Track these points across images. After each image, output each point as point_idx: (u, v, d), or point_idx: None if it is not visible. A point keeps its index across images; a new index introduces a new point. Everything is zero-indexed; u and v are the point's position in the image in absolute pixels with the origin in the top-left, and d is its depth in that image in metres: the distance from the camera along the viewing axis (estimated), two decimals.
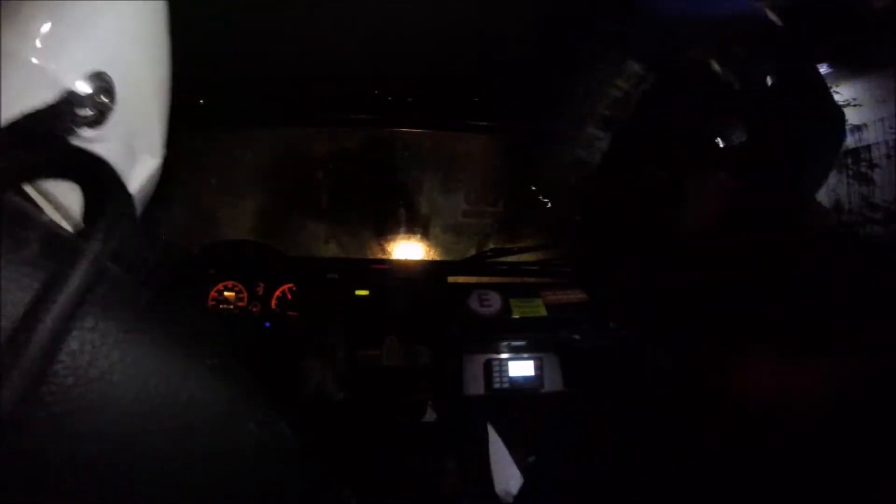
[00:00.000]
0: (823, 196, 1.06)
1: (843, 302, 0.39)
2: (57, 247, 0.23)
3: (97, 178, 0.27)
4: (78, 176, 0.28)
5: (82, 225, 0.29)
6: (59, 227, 0.25)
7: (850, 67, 0.97)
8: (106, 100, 0.28)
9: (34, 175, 0.27)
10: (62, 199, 0.29)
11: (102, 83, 0.28)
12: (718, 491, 0.35)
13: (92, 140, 0.28)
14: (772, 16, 0.51)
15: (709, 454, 0.38)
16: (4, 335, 0.19)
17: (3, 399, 0.18)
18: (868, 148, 0.97)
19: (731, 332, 0.44)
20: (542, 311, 1.38)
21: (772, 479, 0.33)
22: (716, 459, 0.37)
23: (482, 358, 1.32)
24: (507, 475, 1.22)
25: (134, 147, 0.32)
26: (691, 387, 0.46)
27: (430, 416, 1.32)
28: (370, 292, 1.39)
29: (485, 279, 1.45)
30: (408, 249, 1.69)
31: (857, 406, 0.33)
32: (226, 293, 1.37)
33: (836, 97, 1.02)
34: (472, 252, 1.64)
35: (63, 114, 0.26)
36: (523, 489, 1.14)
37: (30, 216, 0.24)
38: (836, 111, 0.49)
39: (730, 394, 0.40)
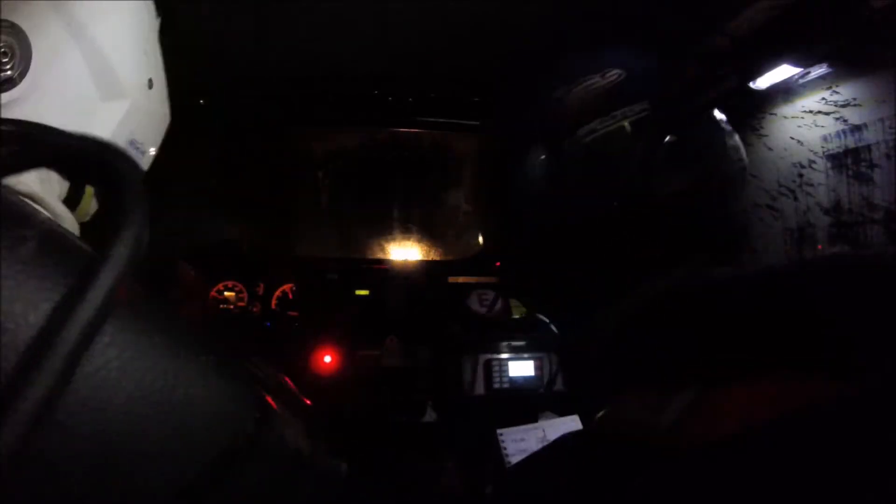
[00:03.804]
0: (823, 196, 1.06)
1: (833, 323, 0.40)
2: (55, 245, 0.23)
3: (115, 176, 0.26)
4: (92, 170, 0.27)
5: (78, 223, 0.29)
6: (58, 224, 0.25)
7: (850, 67, 0.97)
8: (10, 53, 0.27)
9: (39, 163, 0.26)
10: (57, 199, 0.30)
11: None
12: (713, 495, 0.35)
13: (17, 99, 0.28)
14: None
15: (705, 456, 0.38)
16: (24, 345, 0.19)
17: (22, 411, 0.18)
18: (868, 148, 0.97)
19: (726, 343, 0.45)
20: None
21: (766, 487, 0.33)
22: (709, 465, 0.37)
23: (482, 358, 1.32)
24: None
25: (89, 92, 0.32)
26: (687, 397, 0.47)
27: (430, 416, 1.32)
28: (370, 292, 1.39)
29: (485, 279, 1.45)
30: (408, 249, 1.69)
31: (843, 427, 0.33)
32: (226, 293, 1.37)
33: (836, 97, 1.02)
34: (472, 252, 1.64)
35: None
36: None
37: (28, 214, 0.24)
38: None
39: (723, 406, 0.40)
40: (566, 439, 0.54)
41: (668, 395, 0.42)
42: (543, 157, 0.64)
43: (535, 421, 1.26)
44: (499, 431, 0.96)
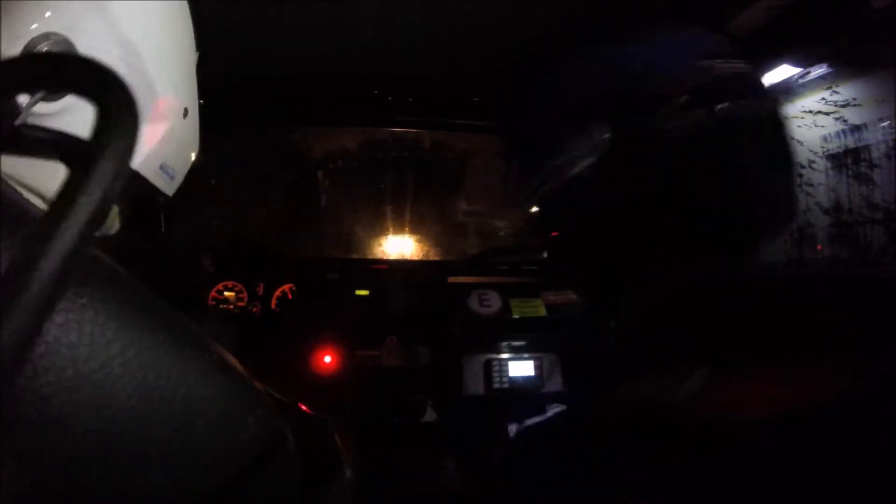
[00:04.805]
0: (823, 196, 1.06)
1: (839, 314, 0.40)
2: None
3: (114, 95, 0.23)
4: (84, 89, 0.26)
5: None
6: (33, 206, 0.25)
7: (850, 67, 0.97)
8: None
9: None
10: (41, 183, 0.30)
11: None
12: (711, 493, 0.36)
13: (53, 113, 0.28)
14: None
15: (705, 457, 0.38)
16: None
17: None
18: (868, 148, 0.97)
19: (727, 338, 0.45)
20: (542, 311, 1.38)
21: (765, 483, 0.33)
22: (711, 462, 0.37)
23: (482, 358, 1.32)
24: None
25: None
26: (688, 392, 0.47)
27: (430, 416, 1.32)
28: (370, 292, 1.39)
29: (485, 279, 1.45)
30: (408, 249, 1.70)
31: (843, 426, 0.33)
32: (226, 293, 1.37)
33: (836, 97, 1.02)
34: (472, 252, 1.64)
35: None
36: None
37: (28, 211, 0.24)
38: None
39: (724, 401, 0.40)
40: (570, 421, 0.54)
41: (681, 379, 0.42)
42: (562, 151, 0.61)
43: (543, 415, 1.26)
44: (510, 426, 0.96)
